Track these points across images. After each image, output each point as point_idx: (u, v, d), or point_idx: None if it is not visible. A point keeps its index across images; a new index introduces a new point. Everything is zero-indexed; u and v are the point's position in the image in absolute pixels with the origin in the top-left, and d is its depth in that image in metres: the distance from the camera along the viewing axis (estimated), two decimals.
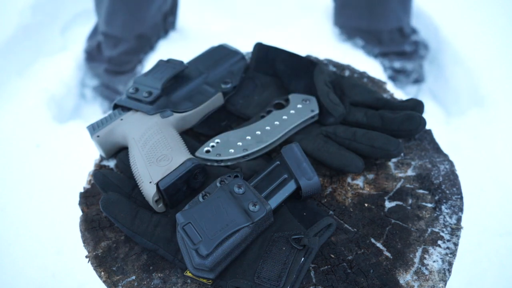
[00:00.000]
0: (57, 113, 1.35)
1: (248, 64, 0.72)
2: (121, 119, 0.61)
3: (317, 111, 0.62)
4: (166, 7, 1.44)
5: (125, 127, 0.60)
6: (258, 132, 0.61)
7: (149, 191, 0.53)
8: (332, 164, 0.58)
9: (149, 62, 1.43)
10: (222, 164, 0.60)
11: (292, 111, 0.62)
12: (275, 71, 0.70)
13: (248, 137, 0.61)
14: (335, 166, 0.58)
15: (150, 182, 0.53)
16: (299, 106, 0.63)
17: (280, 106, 0.65)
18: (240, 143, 0.60)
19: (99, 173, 0.57)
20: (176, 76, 0.65)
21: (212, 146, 0.60)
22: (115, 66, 1.41)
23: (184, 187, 0.55)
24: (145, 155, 0.56)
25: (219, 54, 0.71)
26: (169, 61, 0.67)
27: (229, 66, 0.69)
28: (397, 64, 1.42)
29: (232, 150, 0.60)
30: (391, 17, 1.35)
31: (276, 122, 0.62)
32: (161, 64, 0.66)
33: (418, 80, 1.44)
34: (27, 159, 1.21)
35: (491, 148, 1.19)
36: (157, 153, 0.56)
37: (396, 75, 1.43)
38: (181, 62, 0.67)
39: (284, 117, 0.62)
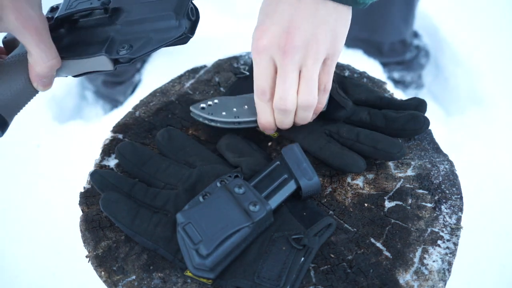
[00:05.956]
0: (57, 113, 1.35)
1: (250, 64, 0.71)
2: None
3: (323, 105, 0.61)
4: None
5: None
6: None
7: None
8: (334, 164, 0.58)
9: (149, 63, 1.42)
10: (213, 124, 0.60)
11: None
12: None
13: (245, 107, 0.61)
14: (337, 165, 0.58)
15: None
16: None
17: None
18: (235, 109, 0.60)
19: (96, 173, 0.57)
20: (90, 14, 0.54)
21: (209, 105, 0.60)
22: (112, 77, 1.38)
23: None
24: None
25: (161, 8, 0.52)
26: None
27: (160, 30, 0.52)
28: (396, 75, 1.41)
29: (224, 113, 0.60)
30: (392, 31, 1.33)
31: None
32: None
33: (416, 88, 1.44)
34: (27, 159, 1.21)
35: (491, 148, 1.19)
36: None
37: (395, 85, 1.42)
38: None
39: None
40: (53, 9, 0.56)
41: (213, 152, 0.62)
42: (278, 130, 0.64)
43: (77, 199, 0.59)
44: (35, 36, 0.49)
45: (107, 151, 0.64)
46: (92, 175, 0.57)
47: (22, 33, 0.49)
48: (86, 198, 0.59)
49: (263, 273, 0.48)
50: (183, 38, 0.52)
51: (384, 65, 1.40)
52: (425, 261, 0.51)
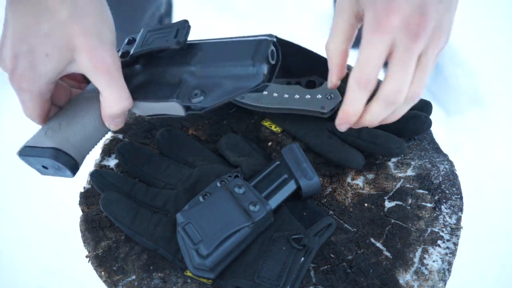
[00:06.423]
0: None
1: None
2: None
3: (326, 111, 0.60)
4: (160, 11, 1.42)
5: None
6: (265, 92, 0.62)
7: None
8: (333, 158, 0.59)
9: None
10: (239, 102, 0.64)
11: (308, 96, 0.60)
12: (287, 66, 0.68)
13: (275, 94, 0.62)
14: (336, 159, 0.58)
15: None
16: (319, 96, 0.60)
17: (311, 85, 0.63)
18: (265, 92, 0.62)
19: (96, 173, 0.57)
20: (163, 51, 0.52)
21: None
22: None
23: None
24: None
25: (238, 50, 0.48)
26: (169, 27, 0.51)
27: (235, 77, 0.48)
28: None
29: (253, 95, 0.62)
30: None
31: (286, 95, 0.61)
32: (165, 27, 0.52)
33: None
34: None
35: (491, 148, 1.19)
36: None
37: None
38: (178, 40, 0.50)
39: (297, 96, 0.61)
40: (130, 42, 0.54)
41: (213, 152, 0.62)
42: (281, 125, 0.64)
43: (77, 199, 0.59)
44: (107, 77, 0.47)
45: (107, 151, 0.65)
46: (92, 175, 0.57)
47: (94, 74, 0.47)
48: (86, 198, 0.59)
49: (263, 273, 0.48)
50: (260, 87, 0.48)
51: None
52: (425, 261, 0.51)
